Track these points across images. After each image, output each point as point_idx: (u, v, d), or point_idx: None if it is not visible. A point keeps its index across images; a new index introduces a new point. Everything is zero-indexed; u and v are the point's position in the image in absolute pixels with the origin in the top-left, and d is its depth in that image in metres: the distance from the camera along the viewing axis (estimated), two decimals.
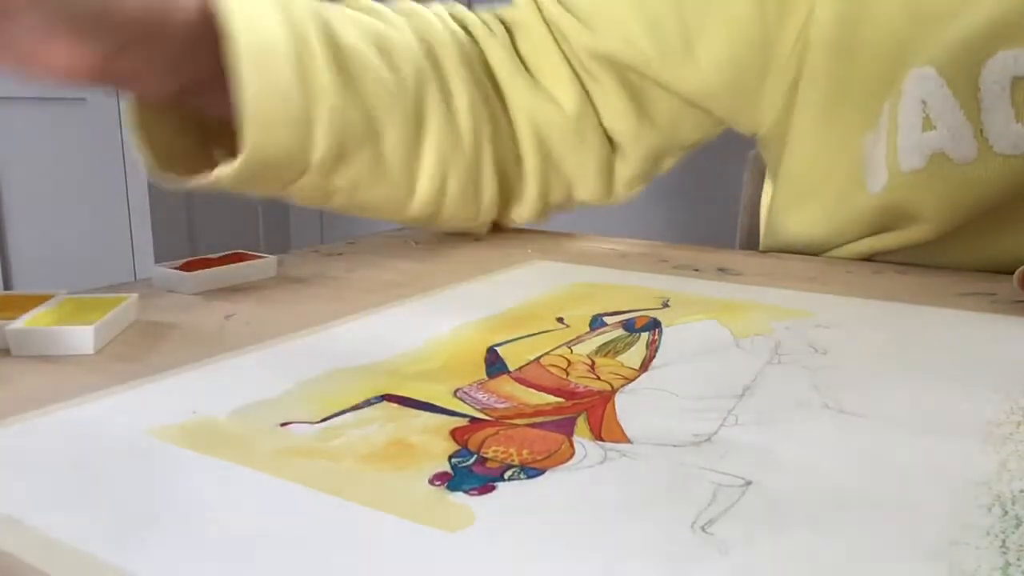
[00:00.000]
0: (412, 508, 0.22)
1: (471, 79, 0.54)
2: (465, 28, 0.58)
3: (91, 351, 0.34)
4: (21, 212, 1.90)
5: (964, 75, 0.45)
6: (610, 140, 0.61)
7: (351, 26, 0.48)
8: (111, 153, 1.69)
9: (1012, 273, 0.41)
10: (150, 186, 1.68)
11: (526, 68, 0.58)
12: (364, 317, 0.38)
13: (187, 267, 0.45)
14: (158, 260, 1.60)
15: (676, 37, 0.56)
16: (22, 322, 0.34)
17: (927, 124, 0.46)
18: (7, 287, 1.93)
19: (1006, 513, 0.21)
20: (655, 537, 0.20)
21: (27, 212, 1.89)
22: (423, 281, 0.46)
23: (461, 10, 0.59)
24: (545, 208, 0.62)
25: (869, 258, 0.53)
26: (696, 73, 0.57)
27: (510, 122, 0.58)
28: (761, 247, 0.64)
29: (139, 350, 0.34)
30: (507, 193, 0.59)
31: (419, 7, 0.56)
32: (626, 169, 0.62)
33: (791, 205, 0.58)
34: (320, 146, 0.44)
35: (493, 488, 0.23)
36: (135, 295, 0.39)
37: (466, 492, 0.23)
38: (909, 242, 0.50)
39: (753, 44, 0.55)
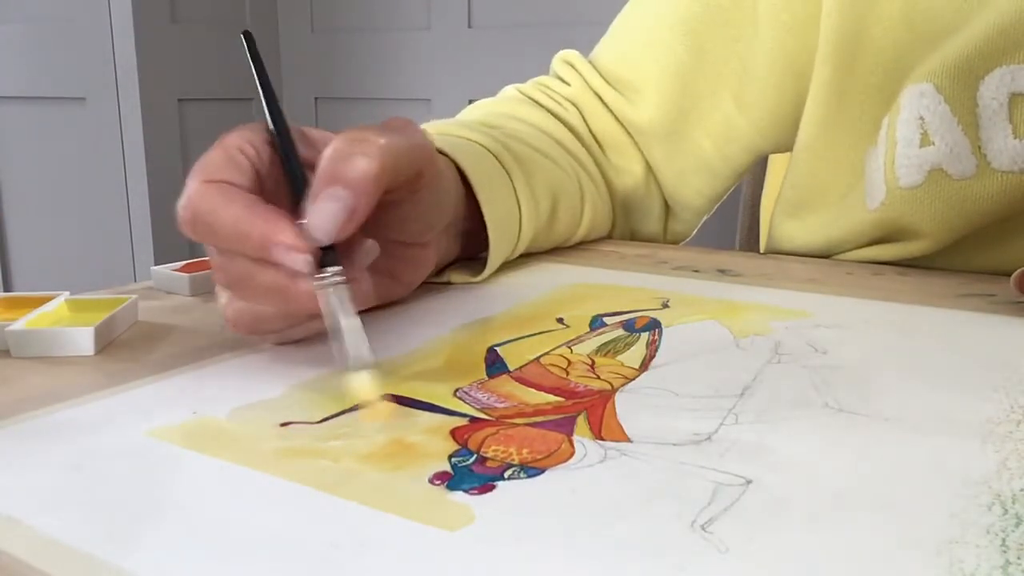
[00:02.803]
0: (412, 508, 0.22)
1: (582, 152, 0.60)
2: (546, 108, 0.62)
3: (91, 352, 0.34)
4: (21, 212, 1.90)
5: (962, 91, 0.45)
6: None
7: (529, 150, 0.52)
8: (111, 153, 1.69)
9: (1011, 275, 0.41)
10: (150, 186, 1.68)
11: (597, 142, 0.63)
12: (365, 317, 0.38)
13: (187, 269, 0.45)
14: (158, 261, 1.60)
15: (707, 87, 0.60)
16: (22, 323, 0.34)
17: (925, 140, 0.46)
18: (7, 287, 1.93)
19: (1006, 512, 0.21)
20: (655, 536, 0.20)
21: (27, 212, 1.88)
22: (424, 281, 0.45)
23: (530, 92, 0.63)
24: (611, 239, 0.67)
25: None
26: (735, 117, 0.60)
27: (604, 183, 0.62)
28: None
29: (139, 351, 0.34)
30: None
31: (509, 103, 0.61)
32: (675, 224, 0.67)
33: (792, 215, 0.59)
34: (519, 251, 0.49)
35: (493, 487, 0.23)
36: (135, 296, 0.39)
37: (466, 491, 0.23)
38: (906, 255, 0.51)
39: (787, 79, 0.57)
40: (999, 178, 0.45)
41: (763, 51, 0.57)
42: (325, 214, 0.30)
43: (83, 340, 0.34)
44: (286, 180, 0.33)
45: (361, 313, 0.30)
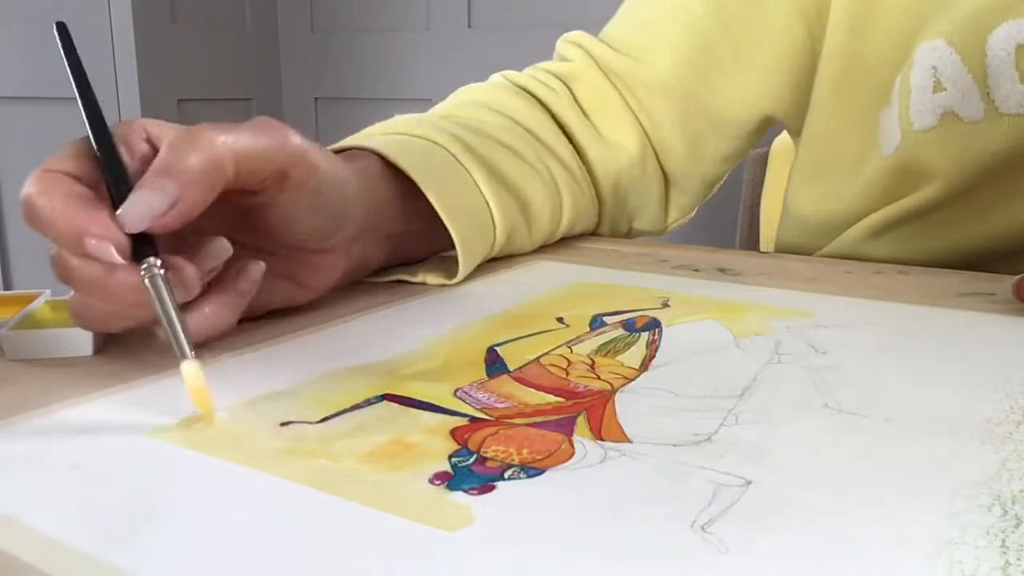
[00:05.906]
0: (412, 508, 0.22)
1: (560, 142, 0.58)
2: (528, 92, 0.60)
3: (90, 352, 0.34)
4: (21, 212, 1.90)
5: (972, 44, 0.47)
6: (665, 175, 0.65)
7: (489, 142, 0.51)
8: None
9: (1017, 265, 0.41)
10: None
11: (588, 118, 0.61)
12: (365, 316, 0.38)
13: None
14: None
15: (726, 48, 0.60)
16: (12, 325, 0.34)
17: (938, 87, 0.49)
18: (7, 287, 1.93)
19: (1006, 513, 0.21)
20: (655, 537, 0.20)
21: None
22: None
23: (515, 76, 0.62)
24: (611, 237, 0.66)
25: (883, 231, 0.54)
26: (752, 79, 0.60)
27: (585, 170, 0.60)
28: (778, 226, 0.65)
29: (138, 351, 0.34)
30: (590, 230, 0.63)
31: (487, 89, 0.60)
32: (680, 198, 0.66)
33: (806, 180, 0.60)
34: (495, 249, 0.48)
35: (493, 488, 0.23)
36: None
37: (466, 491, 0.23)
38: (922, 203, 0.52)
39: (800, 43, 0.58)
40: (1007, 121, 0.47)
41: (780, 15, 0.58)
42: (140, 203, 0.30)
43: (81, 341, 0.34)
44: (104, 179, 0.32)
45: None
